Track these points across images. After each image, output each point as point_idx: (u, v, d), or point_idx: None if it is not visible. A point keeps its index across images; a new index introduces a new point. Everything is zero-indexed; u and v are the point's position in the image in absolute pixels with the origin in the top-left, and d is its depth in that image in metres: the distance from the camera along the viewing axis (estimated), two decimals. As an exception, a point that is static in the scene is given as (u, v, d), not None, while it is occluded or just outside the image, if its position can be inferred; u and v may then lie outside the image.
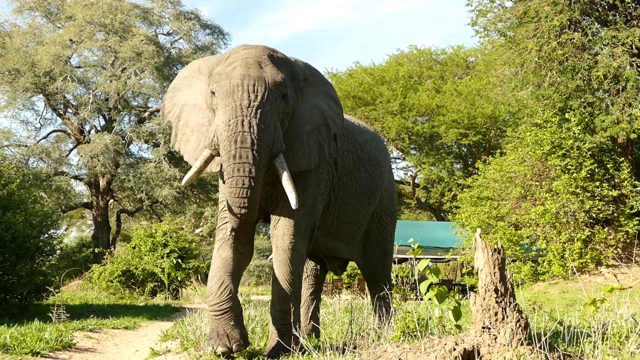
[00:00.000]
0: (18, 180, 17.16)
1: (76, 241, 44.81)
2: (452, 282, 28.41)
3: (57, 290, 16.70)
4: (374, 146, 8.58)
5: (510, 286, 4.64)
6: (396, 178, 43.38)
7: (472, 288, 22.84)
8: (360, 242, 8.88)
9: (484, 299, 4.59)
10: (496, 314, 4.53)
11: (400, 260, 26.79)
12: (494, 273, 4.60)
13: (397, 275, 22.80)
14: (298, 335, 7.47)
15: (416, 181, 39.31)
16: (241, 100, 6.40)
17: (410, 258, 25.57)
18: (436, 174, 34.57)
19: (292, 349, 6.81)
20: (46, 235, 16.63)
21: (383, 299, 8.80)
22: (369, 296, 9.35)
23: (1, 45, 33.43)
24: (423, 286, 5.85)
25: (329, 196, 7.82)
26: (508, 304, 4.56)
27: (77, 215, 48.36)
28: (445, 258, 25.49)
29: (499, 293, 4.57)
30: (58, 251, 34.12)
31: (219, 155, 6.61)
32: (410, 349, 4.88)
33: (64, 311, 11.02)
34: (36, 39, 34.36)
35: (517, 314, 4.53)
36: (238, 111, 6.38)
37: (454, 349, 4.55)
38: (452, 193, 29.79)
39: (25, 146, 33.67)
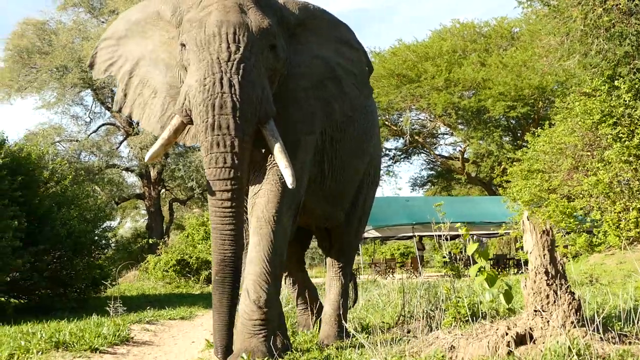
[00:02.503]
0: (71, 176, 17.50)
1: (131, 232, 45.56)
2: (506, 257, 28.23)
3: (114, 283, 17.07)
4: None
5: (561, 267, 4.60)
6: (444, 154, 43.17)
7: (527, 263, 22.66)
8: (349, 205, 7.68)
9: (535, 281, 4.56)
10: (547, 296, 4.50)
11: (452, 237, 26.68)
12: (544, 255, 4.56)
13: (450, 252, 22.80)
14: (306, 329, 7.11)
15: (465, 156, 38.95)
16: (219, 52, 5.13)
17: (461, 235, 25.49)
18: (485, 148, 34.22)
19: (276, 353, 5.41)
20: (101, 229, 16.93)
21: (347, 277, 7.87)
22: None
23: (48, 43, 33.97)
24: (472, 270, 5.73)
25: (322, 157, 6.64)
26: (559, 286, 4.52)
27: (130, 206, 49.03)
28: (497, 233, 25.30)
29: (550, 275, 4.53)
30: (113, 244, 34.91)
31: (191, 123, 5.39)
32: (462, 335, 4.87)
33: (121, 305, 11.20)
34: (81, 35, 34.80)
35: (569, 295, 4.48)
36: (215, 67, 5.11)
37: (506, 334, 4.52)
38: (502, 167, 29.50)
39: (77, 141, 34.26)
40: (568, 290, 4.51)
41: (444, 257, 23.87)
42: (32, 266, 13.88)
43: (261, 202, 5.82)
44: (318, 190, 6.74)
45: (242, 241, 5.35)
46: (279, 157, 5.28)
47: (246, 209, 6.01)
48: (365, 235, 27.73)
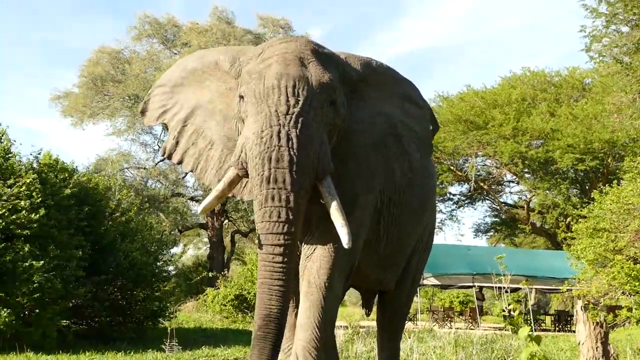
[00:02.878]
0: (135, 208, 17.89)
1: (192, 260, 46.12)
2: (568, 314, 27.64)
3: (172, 316, 17.32)
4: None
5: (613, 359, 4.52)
6: (509, 202, 42.68)
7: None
8: (400, 270, 7.38)
9: (588, 371, 4.49)
10: (600, 387, 4.43)
11: (513, 290, 26.33)
12: (596, 348, 4.51)
13: (509, 304, 22.50)
14: None
15: (530, 205, 38.42)
16: (277, 105, 4.97)
17: (522, 288, 25.08)
18: (551, 199, 33.72)
19: None
20: (162, 261, 17.22)
21: (397, 344, 7.63)
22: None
23: (121, 72, 34.88)
24: (522, 334, 5.62)
25: (379, 219, 6.30)
26: (613, 376, 4.45)
27: (193, 234, 49.65)
28: (559, 289, 24.81)
29: (604, 365, 4.47)
30: (174, 270, 35.29)
31: (247, 176, 5.17)
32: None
33: (176, 344, 11.35)
34: (154, 65, 35.63)
35: (624, 386, 4.41)
36: (273, 119, 4.93)
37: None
38: (568, 220, 29.03)
39: (144, 168, 34.95)
40: (623, 381, 4.44)
41: (503, 310, 23.43)
42: (94, 295, 14.20)
43: (313, 267, 5.60)
44: (373, 253, 6.41)
45: (289, 298, 5.10)
46: (335, 215, 5.01)
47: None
48: (425, 282, 27.52)
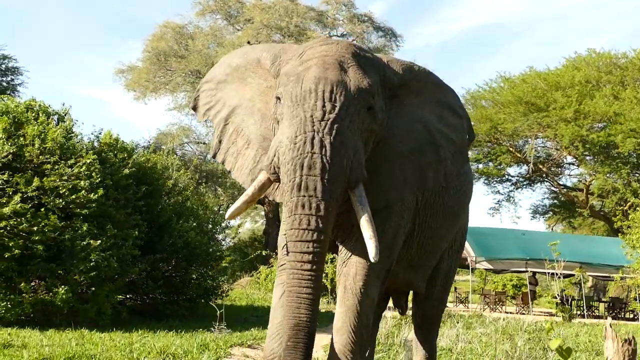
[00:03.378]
0: (192, 187, 18.24)
1: (249, 234, 46.69)
2: (622, 302, 27.29)
3: (225, 295, 17.70)
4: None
5: (642, 378, 4.57)
6: (569, 184, 42.08)
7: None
8: (430, 271, 7.47)
9: (615, 390, 4.54)
10: (626, 406, 4.48)
11: (566, 276, 26.09)
12: (625, 365, 4.55)
13: (562, 290, 22.42)
14: None
15: (590, 189, 37.81)
16: (313, 110, 4.90)
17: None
18: (611, 184, 33.17)
19: None
20: (215, 242, 17.55)
21: (433, 352, 7.76)
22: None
23: (184, 47, 35.35)
24: (553, 345, 5.67)
25: (413, 221, 6.28)
26: (639, 396, 4.50)
27: (251, 208, 50.12)
28: (612, 277, 24.51)
29: (630, 385, 4.51)
30: (230, 243, 35.77)
31: (278, 180, 5.11)
32: None
33: (225, 326, 11.64)
34: (217, 41, 36.00)
35: (649, 407, 4.46)
36: (308, 125, 4.86)
37: None
38: (625, 207, 28.55)
39: (204, 143, 35.46)
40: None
41: (555, 297, 23.30)
42: (148, 274, 14.60)
43: (350, 272, 5.61)
44: (403, 255, 6.41)
45: (317, 306, 5.00)
46: (365, 226, 4.93)
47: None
48: (477, 266, 27.44)
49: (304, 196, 4.76)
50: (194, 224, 16.18)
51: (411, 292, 7.85)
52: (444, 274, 7.65)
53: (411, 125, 5.62)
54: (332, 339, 5.69)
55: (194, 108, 6.42)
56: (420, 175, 5.63)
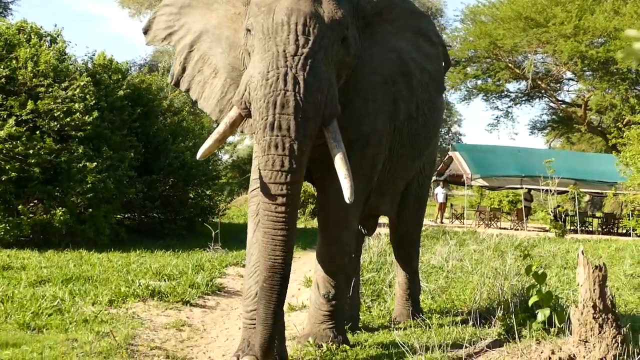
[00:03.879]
0: (188, 107, 18.26)
1: (247, 150, 46.81)
2: (615, 217, 27.62)
3: (222, 213, 17.93)
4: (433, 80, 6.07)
5: (610, 302, 4.74)
6: (567, 100, 41.98)
7: (634, 230, 22.19)
8: (399, 196, 7.43)
9: (582, 313, 4.72)
10: (592, 329, 4.67)
11: (560, 192, 26.33)
12: (594, 290, 4.71)
13: (556, 207, 22.67)
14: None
15: (588, 105, 37.74)
16: (285, 44, 4.68)
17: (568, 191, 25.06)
18: (609, 100, 33.12)
19: (339, 339, 5.87)
20: (212, 161, 17.70)
21: (414, 273, 7.81)
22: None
23: None
24: (531, 301, 5.89)
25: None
26: (606, 320, 4.67)
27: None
28: (604, 193, 24.73)
29: (597, 309, 4.68)
30: (229, 161, 35.92)
31: (249, 116, 4.91)
32: (507, 352, 5.12)
33: (220, 247, 11.90)
34: None
35: (614, 330, 4.64)
36: (281, 60, 4.65)
37: (550, 358, 4.75)
38: (624, 121, 28.61)
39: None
40: (614, 325, 4.66)
41: (549, 213, 23.54)
42: (145, 194, 14.79)
43: (328, 203, 5.69)
44: None
45: (292, 247, 4.93)
46: (339, 164, 4.82)
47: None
48: (472, 183, 27.65)
49: (277, 136, 4.62)
50: (191, 144, 16.26)
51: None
52: (415, 198, 7.67)
53: (385, 54, 5.52)
54: (315, 268, 5.92)
55: (146, 30, 6.12)
56: (394, 106, 5.58)
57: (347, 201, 4.76)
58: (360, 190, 5.54)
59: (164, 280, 8.99)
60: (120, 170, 13.23)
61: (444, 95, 8.11)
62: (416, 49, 5.70)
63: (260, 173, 4.80)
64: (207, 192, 17.06)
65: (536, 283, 5.94)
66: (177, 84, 5.88)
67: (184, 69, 5.79)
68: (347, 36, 5.05)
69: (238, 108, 4.91)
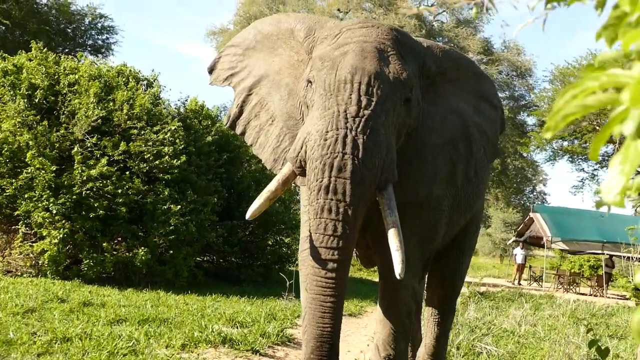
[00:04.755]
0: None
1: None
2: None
3: (298, 262, 18.03)
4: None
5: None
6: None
7: None
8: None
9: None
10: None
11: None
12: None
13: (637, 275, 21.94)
14: None
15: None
16: (347, 104, 4.50)
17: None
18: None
19: None
20: (292, 211, 17.91)
21: (444, 334, 7.28)
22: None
23: (276, 12, 35.64)
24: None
25: None
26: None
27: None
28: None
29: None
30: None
31: (303, 175, 4.70)
32: None
33: (294, 297, 11.99)
34: (307, 6, 36.19)
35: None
36: (341, 121, 4.46)
37: None
38: None
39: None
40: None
41: (630, 281, 22.83)
42: (225, 239, 15.08)
43: (385, 265, 5.29)
44: None
45: (341, 315, 4.71)
46: (391, 235, 4.59)
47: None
48: (553, 246, 27.15)
49: (331, 199, 4.44)
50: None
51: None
52: (459, 257, 7.16)
53: (446, 116, 5.34)
54: (375, 329, 5.80)
55: (211, 70, 6.08)
56: (452, 170, 5.36)
57: (398, 277, 4.49)
58: (417, 257, 5.48)
59: (237, 327, 9.15)
60: (203, 214, 13.55)
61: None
62: (478, 112, 5.60)
63: (310, 235, 4.61)
64: (286, 240, 17.25)
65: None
66: (232, 127, 5.82)
67: (240, 112, 5.71)
68: (411, 98, 4.89)
69: (292, 165, 4.71)
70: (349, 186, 4.40)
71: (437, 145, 5.22)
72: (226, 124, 5.89)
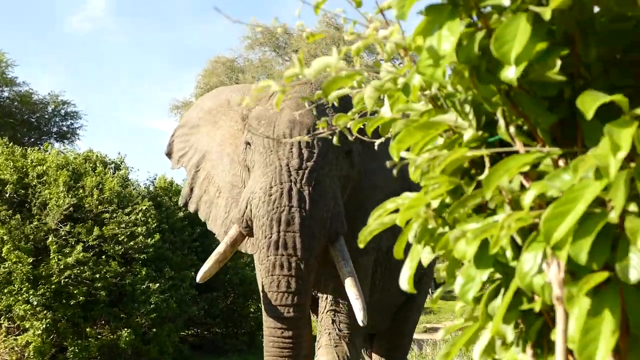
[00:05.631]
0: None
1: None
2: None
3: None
4: None
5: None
6: None
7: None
8: None
9: None
10: None
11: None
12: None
13: None
14: None
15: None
16: (289, 158, 4.43)
17: None
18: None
19: None
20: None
21: None
22: None
23: (235, 81, 36.24)
24: None
25: (375, 269, 5.72)
26: None
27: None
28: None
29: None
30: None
31: (251, 235, 4.68)
32: None
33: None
34: (266, 72, 36.81)
35: None
36: (284, 175, 4.38)
37: None
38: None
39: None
40: None
41: None
42: (206, 311, 15.21)
43: (327, 321, 5.24)
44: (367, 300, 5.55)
45: None
46: (349, 285, 4.50)
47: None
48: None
49: (282, 255, 4.35)
50: (248, 260, 16.73)
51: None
52: (413, 307, 6.91)
53: (387, 170, 4.96)
54: None
55: (168, 154, 6.13)
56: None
57: (361, 323, 4.41)
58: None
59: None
60: (182, 289, 13.70)
61: None
62: None
63: (264, 295, 4.49)
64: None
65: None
66: (185, 205, 5.87)
67: (191, 190, 5.75)
68: (352, 149, 4.85)
69: (239, 226, 4.71)
70: (298, 239, 4.37)
71: (380, 200, 4.89)
72: (181, 204, 5.99)
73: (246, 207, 4.62)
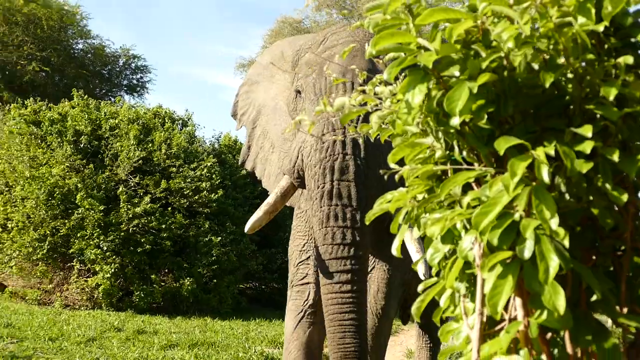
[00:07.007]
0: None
1: (365, 221, 47.50)
2: None
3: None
4: None
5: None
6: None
7: None
8: None
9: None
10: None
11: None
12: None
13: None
14: None
15: None
16: None
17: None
18: None
19: None
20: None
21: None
22: None
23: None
24: None
25: None
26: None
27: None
28: None
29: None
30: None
31: (303, 186, 4.39)
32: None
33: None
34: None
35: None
36: (337, 122, 4.06)
37: None
38: None
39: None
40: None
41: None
42: (265, 266, 15.75)
43: (371, 289, 4.96)
44: None
45: (365, 332, 4.23)
46: (409, 238, 4.07)
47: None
48: None
49: (337, 205, 4.05)
50: (307, 219, 17.18)
51: None
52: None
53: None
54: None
55: (233, 115, 5.90)
56: None
57: (422, 277, 3.80)
58: (397, 272, 5.17)
59: (278, 347, 9.82)
60: (242, 244, 14.25)
61: None
62: None
63: (318, 250, 4.18)
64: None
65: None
66: (243, 164, 5.64)
67: (249, 148, 5.51)
68: None
69: (290, 177, 4.47)
70: (353, 189, 4.07)
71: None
72: (240, 163, 5.80)
73: (297, 157, 4.39)
